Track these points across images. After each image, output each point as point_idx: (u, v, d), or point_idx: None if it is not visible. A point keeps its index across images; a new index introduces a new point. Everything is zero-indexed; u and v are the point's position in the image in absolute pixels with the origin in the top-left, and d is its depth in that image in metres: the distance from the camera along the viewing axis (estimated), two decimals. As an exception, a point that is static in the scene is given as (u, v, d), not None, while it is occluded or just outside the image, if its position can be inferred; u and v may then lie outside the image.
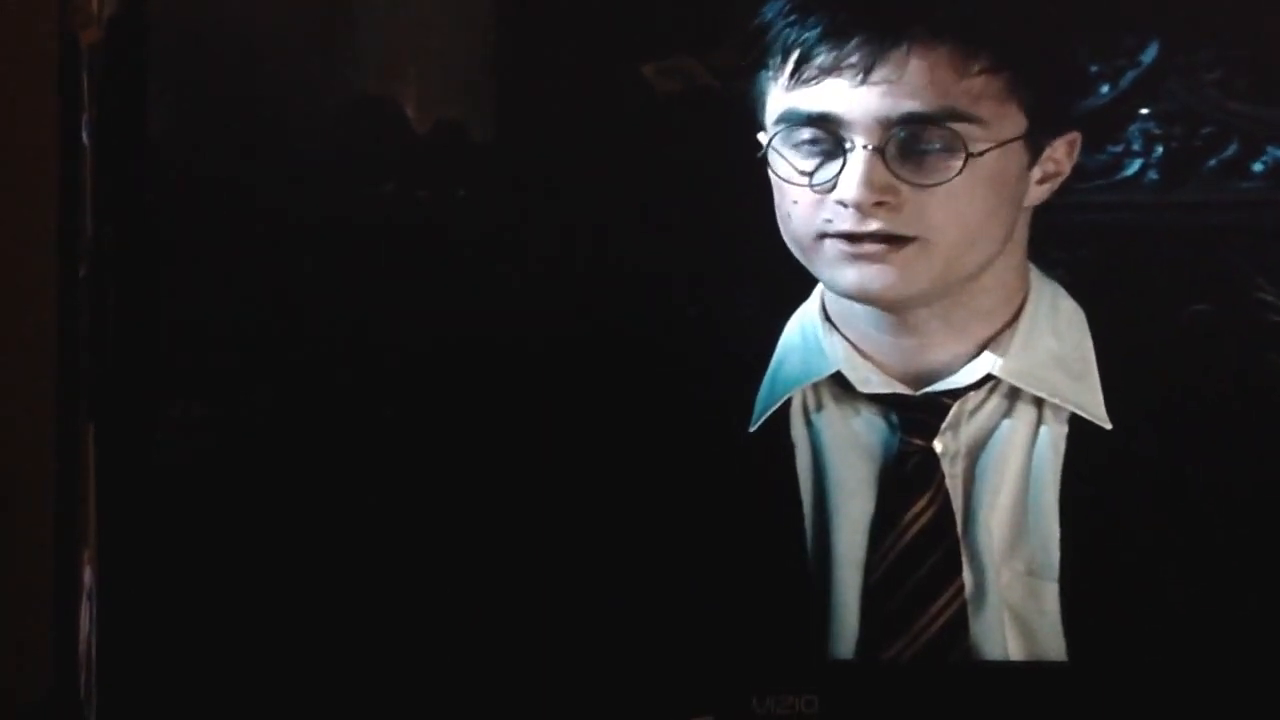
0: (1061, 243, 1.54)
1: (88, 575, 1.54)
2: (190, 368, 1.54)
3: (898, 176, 1.47)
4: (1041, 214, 1.53)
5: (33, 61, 1.59)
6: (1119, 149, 1.54)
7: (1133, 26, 1.53)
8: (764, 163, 1.52)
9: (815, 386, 1.54)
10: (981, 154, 1.47)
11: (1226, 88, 1.54)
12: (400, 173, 1.55)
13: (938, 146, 1.47)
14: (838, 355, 1.54)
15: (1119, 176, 1.55)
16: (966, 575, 1.52)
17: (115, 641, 1.53)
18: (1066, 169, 1.52)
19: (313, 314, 1.55)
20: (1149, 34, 1.53)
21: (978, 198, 1.48)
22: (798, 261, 1.52)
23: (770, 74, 1.50)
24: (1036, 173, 1.51)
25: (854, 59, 1.46)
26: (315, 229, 1.55)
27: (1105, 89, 1.54)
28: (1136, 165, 1.55)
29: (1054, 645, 1.53)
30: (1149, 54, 1.54)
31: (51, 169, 1.56)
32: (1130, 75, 1.54)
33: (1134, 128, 1.54)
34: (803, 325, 1.55)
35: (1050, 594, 1.52)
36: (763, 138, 1.53)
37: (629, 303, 1.54)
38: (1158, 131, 1.54)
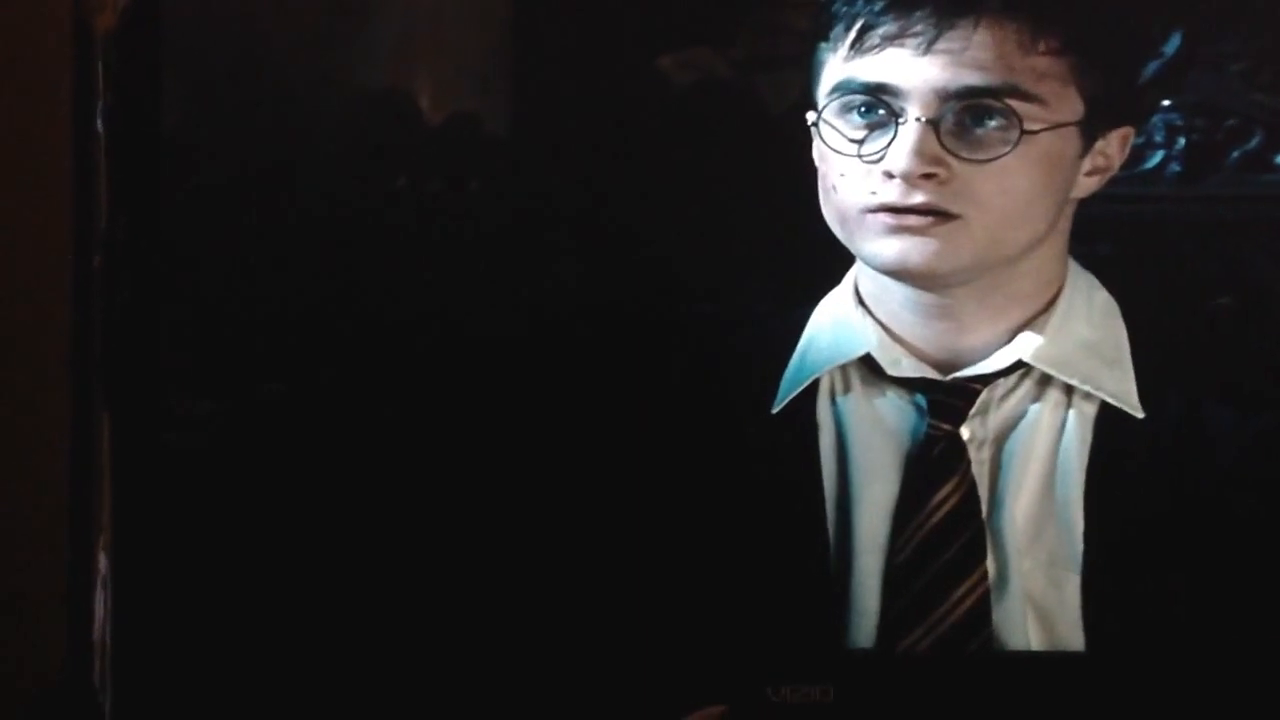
0: (1082, 235, 1.52)
1: (102, 563, 1.55)
2: (204, 357, 1.54)
3: (949, 150, 1.47)
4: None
5: (47, 49, 1.60)
6: (1141, 141, 1.54)
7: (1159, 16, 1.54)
8: (794, 145, 1.51)
9: (844, 369, 1.54)
10: (1036, 133, 1.47)
11: (1251, 79, 1.54)
12: (414, 165, 1.55)
13: (993, 123, 1.47)
14: (869, 337, 1.53)
15: (1141, 168, 1.55)
16: (990, 563, 1.51)
17: (129, 628, 1.54)
18: (1116, 164, 1.51)
19: (325, 304, 1.54)
20: (1172, 25, 1.53)
21: (1026, 178, 1.48)
22: (824, 247, 1.51)
23: (830, 46, 1.50)
24: (1086, 164, 1.50)
25: (920, 28, 1.46)
26: (328, 219, 1.54)
27: (1129, 81, 1.54)
28: (1159, 157, 1.55)
29: (1073, 637, 1.52)
30: (1172, 45, 1.54)
31: (66, 157, 1.56)
32: (1153, 66, 1.54)
33: (1157, 119, 1.54)
34: (833, 309, 1.54)
35: (1072, 585, 1.51)
36: (811, 115, 1.52)
37: (648, 290, 1.54)
38: (1180, 123, 1.54)
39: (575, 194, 1.55)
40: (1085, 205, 1.53)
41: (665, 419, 1.53)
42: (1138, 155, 1.55)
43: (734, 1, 1.56)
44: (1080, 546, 1.51)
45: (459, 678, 1.54)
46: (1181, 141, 1.55)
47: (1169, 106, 1.55)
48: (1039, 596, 1.52)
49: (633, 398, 1.54)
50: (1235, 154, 1.55)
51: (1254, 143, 1.55)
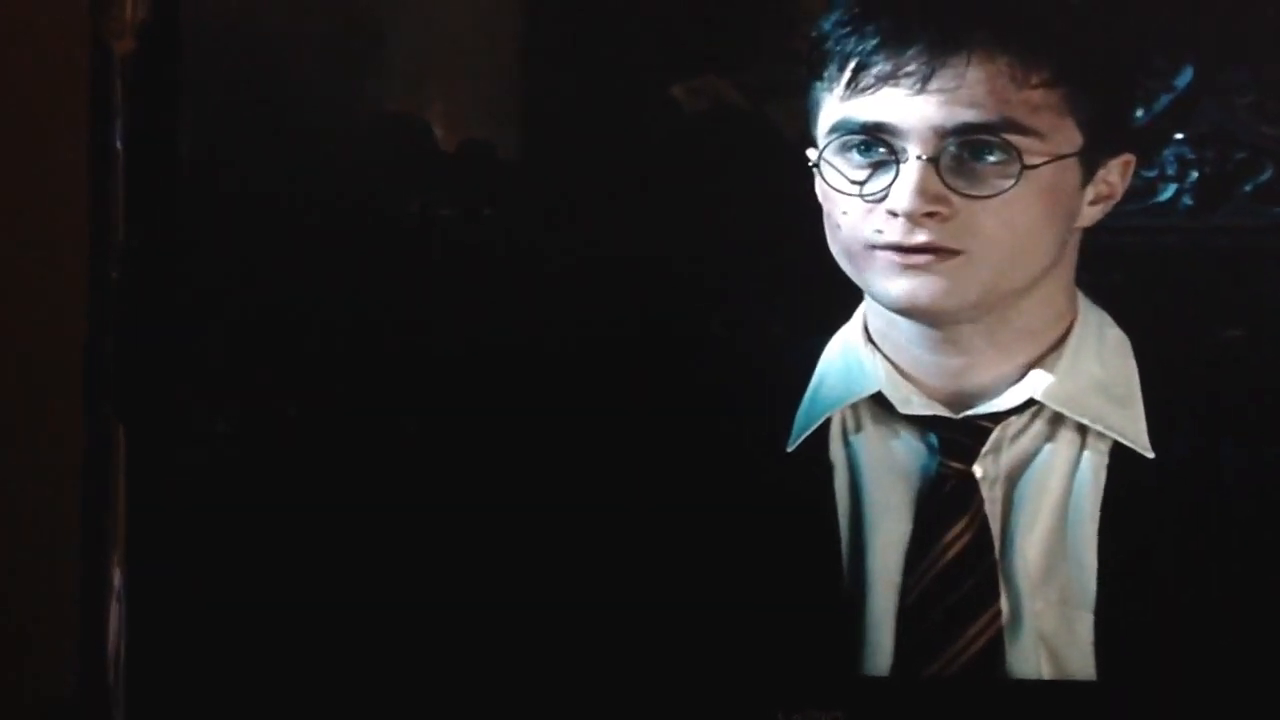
0: (1093, 267, 1.53)
1: (116, 576, 1.57)
2: (219, 371, 1.56)
3: (950, 187, 1.47)
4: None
5: (66, 70, 1.62)
6: (1153, 173, 1.55)
7: (1170, 49, 1.54)
8: (802, 179, 1.52)
9: (855, 407, 1.54)
10: (1037, 167, 1.47)
11: (1261, 112, 1.54)
12: (428, 190, 1.57)
13: (992, 158, 1.47)
14: (879, 375, 1.53)
15: (1152, 201, 1.55)
16: (1004, 602, 1.51)
17: (143, 642, 1.56)
18: (1119, 191, 1.51)
19: (339, 323, 1.56)
20: (1183, 58, 1.54)
21: (1030, 212, 1.48)
22: (837, 282, 1.52)
23: (825, 85, 1.50)
24: (1089, 193, 1.51)
25: (912, 67, 1.46)
26: (341, 241, 1.56)
27: (1140, 113, 1.55)
28: (1170, 190, 1.55)
29: (1085, 675, 1.52)
30: (1183, 78, 1.54)
31: (84, 175, 1.58)
32: (1164, 99, 1.54)
33: (1168, 152, 1.55)
34: (844, 346, 1.55)
35: (1084, 624, 1.51)
36: (811, 153, 1.52)
37: (661, 322, 1.55)
38: (1192, 156, 1.55)
39: (588, 222, 1.56)
40: (1098, 238, 1.53)
41: (681, 450, 1.54)
42: (1149, 188, 1.55)
43: (748, 29, 1.57)
44: (1093, 586, 1.51)
45: (473, 699, 1.56)
46: (1193, 174, 1.55)
47: (1180, 139, 1.55)
48: (1052, 636, 1.52)
49: (653, 430, 1.55)
50: (1247, 186, 1.55)
51: (1265, 175, 1.55)
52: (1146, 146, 1.54)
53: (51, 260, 1.67)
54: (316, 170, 1.57)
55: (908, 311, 1.51)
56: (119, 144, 1.58)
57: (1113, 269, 1.55)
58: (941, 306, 1.49)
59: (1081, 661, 1.52)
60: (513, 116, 1.60)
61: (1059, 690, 1.53)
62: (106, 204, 1.59)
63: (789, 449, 1.54)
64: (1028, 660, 1.52)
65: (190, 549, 1.57)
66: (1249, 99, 1.56)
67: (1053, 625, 1.52)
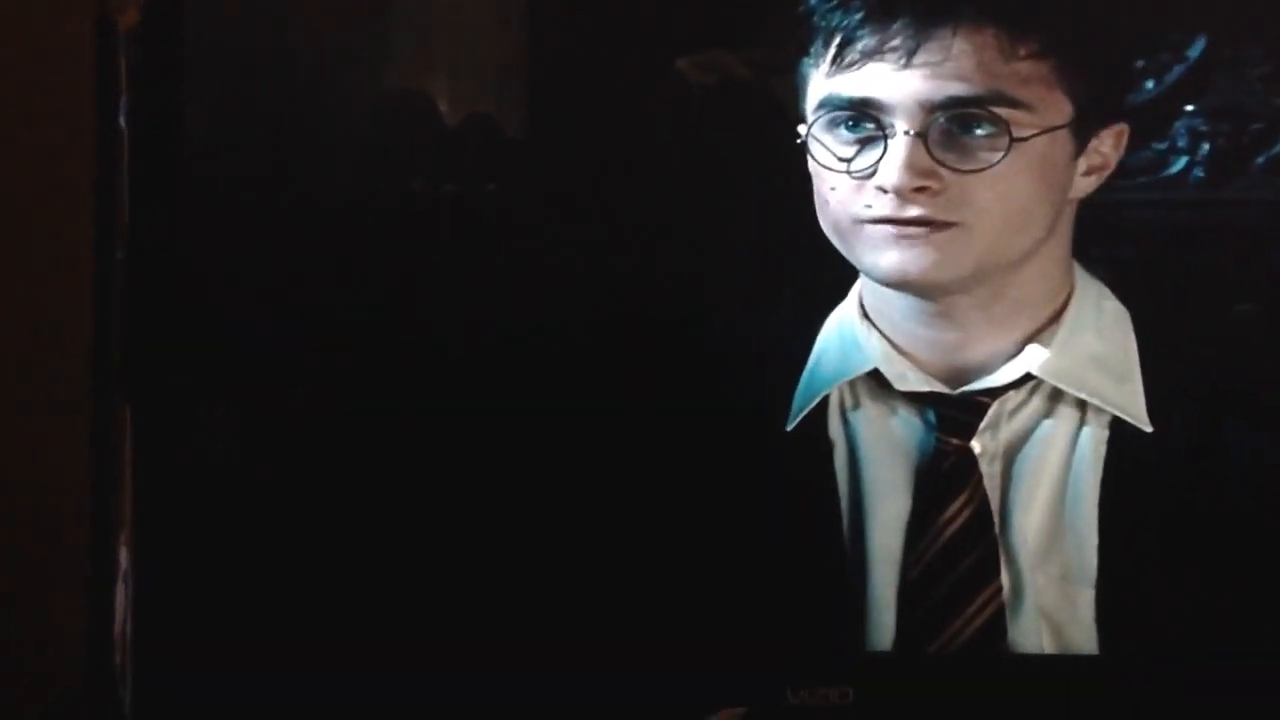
0: (1103, 240, 1.53)
1: (123, 558, 1.58)
2: (224, 353, 1.57)
3: (940, 162, 1.47)
4: (1083, 211, 1.53)
5: (71, 46, 1.61)
6: (1164, 146, 1.54)
7: (1181, 21, 1.54)
8: (801, 156, 1.52)
9: (852, 384, 1.54)
10: (1026, 139, 1.47)
11: (1274, 84, 1.54)
12: (431, 166, 1.57)
13: (981, 131, 1.47)
14: (875, 352, 1.53)
15: (1163, 173, 1.55)
16: (1005, 577, 1.52)
17: (150, 624, 1.57)
18: (1113, 162, 1.51)
19: (343, 301, 1.57)
20: (1196, 29, 1.54)
21: (1021, 184, 1.48)
22: (835, 258, 1.52)
23: (811, 61, 1.51)
24: (1082, 164, 1.51)
25: (897, 41, 1.47)
26: (344, 218, 1.57)
27: (1151, 84, 1.55)
28: (1182, 162, 1.55)
29: (1088, 650, 1.53)
30: (1196, 49, 1.54)
31: (88, 153, 1.59)
32: (1177, 71, 1.54)
33: (1180, 124, 1.55)
34: (840, 323, 1.55)
35: (1085, 599, 1.52)
36: (802, 129, 1.52)
37: (662, 300, 1.55)
38: (1204, 128, 1.54)
39: (592, 197, 1.56)
40: (1105, 210, 1.53)
41: (689, 430, 1.55)
42: (1161, 160, 1.55)
43: (754, 4, 1.57)
44: (1094, 560, 1.51)
45: (481, 679, 1.57)
46: (1205, 147, 1.55)
47: (1192, 111, 1.55)
48: (1054, 610, 1.52)
49: (653, 408, 1.55)
50: (1260, 159, 1.55)
51: (1278, 147, 1.55)
52: (1142, 116, 1.54)
53: (56, 242, 1.68)
54: (321, 148, 1.58)
55: (900, 284, 1.51)
56: (123, 122, 1.59)
57: (1120, 242, 1.55)
58: (934, 278, 1.49)
59: (1083, 635, 1.53)
60: (517, 91, 1.61)
61: (1061, 664, 1.53)
62: (111, 183, 1.60)
63: (788, 428, 1.55)
64: (1030, 635, 1.53)
65: (196, 532, 1.58)
66: (1262, 71, 1.55)
67: (1054, 600, 1.52)
